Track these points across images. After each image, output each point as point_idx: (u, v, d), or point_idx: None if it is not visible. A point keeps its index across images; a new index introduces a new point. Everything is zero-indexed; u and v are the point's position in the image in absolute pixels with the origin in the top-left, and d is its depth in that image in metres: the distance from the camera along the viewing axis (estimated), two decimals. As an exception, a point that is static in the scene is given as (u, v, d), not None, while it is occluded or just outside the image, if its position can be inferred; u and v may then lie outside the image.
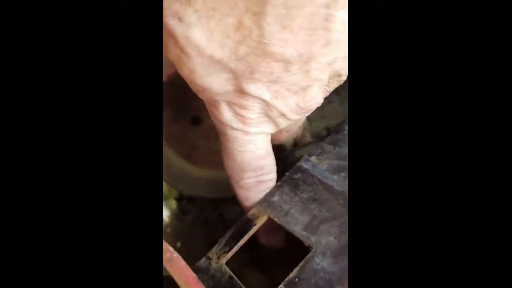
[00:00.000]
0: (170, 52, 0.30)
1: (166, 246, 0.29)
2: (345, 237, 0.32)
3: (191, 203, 0.59)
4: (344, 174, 0.36)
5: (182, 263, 0.28)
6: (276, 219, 0.35)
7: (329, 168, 0.37)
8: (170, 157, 0.52)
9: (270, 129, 0.35)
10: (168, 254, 0.28)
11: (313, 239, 0.33)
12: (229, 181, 0.39)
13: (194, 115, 0.51)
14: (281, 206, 0.36)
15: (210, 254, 0.36)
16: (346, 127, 0.39)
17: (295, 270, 0.32)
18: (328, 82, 0.32)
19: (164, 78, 0.38)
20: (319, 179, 0.36)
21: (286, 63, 0.29)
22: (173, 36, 0.29)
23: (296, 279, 0.31)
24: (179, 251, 0.32)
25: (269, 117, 0.34)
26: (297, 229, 0.34)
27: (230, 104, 0.33)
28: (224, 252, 0.35)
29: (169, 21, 0.28)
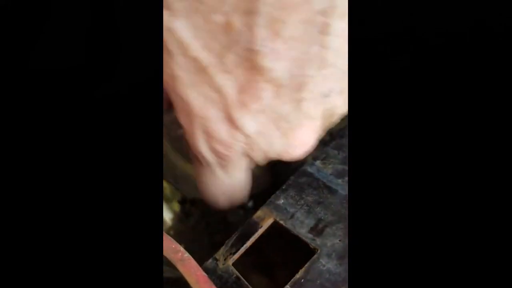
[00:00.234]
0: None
1: (178, 247, 0.30)
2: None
3: (194, 205, 0.59)
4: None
5: (193, 263, 0.29)
6: (281, 222, 0.36)
7: (334, 172, 0.38)
8: (175, 159, 0.52)
9: (252, 166, 0.33)
10: (179, 254, 0.29)
11: (318, 241, 0.34)
12: None
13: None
14: (286, 209, 0.37)
15: (217, 256, 0.36)
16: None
17: (301, 271, 0.33)
18: (321, 122, 0.29)
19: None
20: (324, 183, 0.37)
21: (277, 86, 0.26)
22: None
23: (302, 280, 0.32)
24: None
25: (249, 156, 0.31)
26: (303, 232, 0.35)
27: (207, 137, 0.30)
28: (230, 254, 0.36)
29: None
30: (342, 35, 0.25)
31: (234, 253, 0.36)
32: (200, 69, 0.27)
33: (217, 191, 0.35)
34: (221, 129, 0.29)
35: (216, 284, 0.34)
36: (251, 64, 0.26)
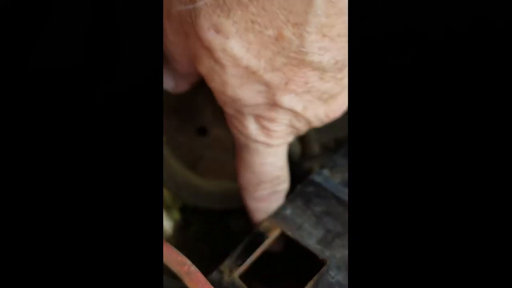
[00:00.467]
0: (202, 63, 0.30)
1: (184, 260, 0.29)
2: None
3: (195, 214, 0.58)
4: (357, 187, 0.36)
5: (200, 276, 0.28)
6: (289, 233, 0.35)
7: (342, 181, 0.37)
8: (176, 167, 0.52)
9: (291, 138, 0.35)
10: (186, 267, 0.28)
11: (327, 253, 0.33)
12: (239, 192, 0.39)
13: (200, 126, 0.51)
14: (294, 220, 0.36)
15: (222, 267, 0.35)
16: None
17: (309, 284, 0.32)
18: None
19: (186, 86, 0.38)
20: (332, 193, 0.37)
21: (322, 71, 0.29)
22: (208, 48, 0.29)
23: (311, 294, 0.31)
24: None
25: (294, 127, 0.34)
26: (311, 243, 0.34)
27: (257, 117, 0.33)
28: (236, 266, 0.35)
29: (206, 33, 0.28)
30: None
31: (240, 265, 0.35)
32: (251, 73, 0.29)
33: (262, 172, 0.36)
34: (270, 110, 0.32)
35: (222, 298, 0.33)
36: (299, 61, 0.28)
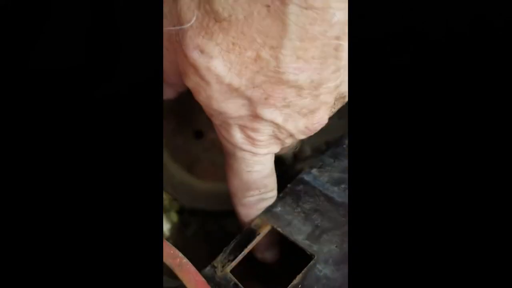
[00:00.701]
0: (188, 78, 0.32)
1: (176, 253, 0.30)
2: (346, 246, 0.34)
3: (193, 216, 0.60)
4: (344, 186, 0.38)
5: (191, 268, 0.29)
6: (279, 229, 0.37)
7: (330, 180, 0.38)
8: (173, 169, 0.53)
9: (277, 148, 0.37)
10: (178, 260, 0.30)
11: (315, 247, 0.34)
12: (230, 197, 0.40)
13: (197, 129, 0.52)
14: (283, 217, 0.37)
15: (215, 263, 0.37)
16: (346, 141, 0.41)
17: (298, 277, 0.33)
18: (334, 103, 0.34)
19: (173, 94, 0.39)
20: (320, 191, 0.38)
21: (299, 89, 0.31)
22: (193, 66, 0.31)
23: (299, 286, 0.33)
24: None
25: (278, 138, 0.35)
26: (300, 238, 0.35)
27: (242, 127, 0.34)
28: (228, 261, 0.36)
29: (191, 53, 0.30)
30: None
31: (232, 260, 0.36)
32: (233, 89, 0.31)
33: (249, 179, 0.38)
34: (253, 121, 0.34)
35: (214, 291, 0.34)
36: (277, 79, 0.30)
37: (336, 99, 0.34)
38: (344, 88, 0.33)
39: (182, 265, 0.29)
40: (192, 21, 0.29)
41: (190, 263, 0.30)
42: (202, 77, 0.31)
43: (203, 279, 0.30)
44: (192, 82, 0.32)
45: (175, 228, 0.56)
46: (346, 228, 0.35)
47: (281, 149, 0.43)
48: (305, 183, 0.39)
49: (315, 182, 0.39)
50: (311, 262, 0.34)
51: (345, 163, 0.39)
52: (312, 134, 0.36)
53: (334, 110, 0.35)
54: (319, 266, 0.33)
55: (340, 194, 0.37)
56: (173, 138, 0.52)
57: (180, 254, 0.30)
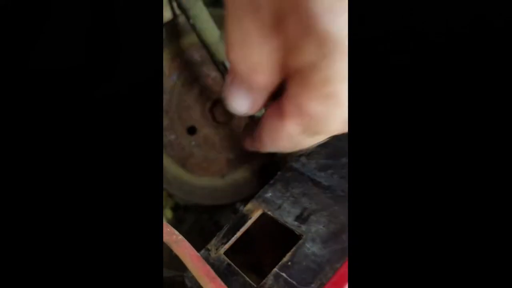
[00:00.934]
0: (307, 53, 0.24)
1: (172, 230, 0.32)
2: (333, 226, 0.36)
3: (187, 212, 0.61)
4: (331, 171, 0.40)
5: (186, 244, 0.31)
6: (269, 213, 0.39)
7: (317, 166, 0.41)
8: (167, 165, 0.55)
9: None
10: (174, 237, 0.31)
11: (303, 228, 0.36)
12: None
13: (190, 125, 0.54)
14: (274, 201, 0.39)
15: (209, 246, 0.38)
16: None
17: (288, 255, 0.35)
18: None
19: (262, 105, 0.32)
20: (308, 176, 0.40)
21: None
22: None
23: (289, 263, 0.34)
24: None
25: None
26: (289, 220, 0.37)
27: None
28: (222, 244, 0.38)
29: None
30: None
31: (225, 243, 0.38)
32: None
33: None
34: None
35: (208, 271, 0.36)
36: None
37: None
38: None
39: (178, 242, 0.31)
40: None
41: (185, 239, 0.32)
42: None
43: (198, 253, 0.31)
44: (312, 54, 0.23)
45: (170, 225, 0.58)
46: (332, 209, 0.37)
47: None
48: (294, 170, 0.41)
49: (304, 168, 0.41)
50: (300, 241, 0.36)
51: (330, 150, 0.41)
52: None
53: None
54: (307, 245, 0.35)
55: (327, 178, 0.39)
56: (166, 134, 0.54)
57: (176, 232, 0.32)
